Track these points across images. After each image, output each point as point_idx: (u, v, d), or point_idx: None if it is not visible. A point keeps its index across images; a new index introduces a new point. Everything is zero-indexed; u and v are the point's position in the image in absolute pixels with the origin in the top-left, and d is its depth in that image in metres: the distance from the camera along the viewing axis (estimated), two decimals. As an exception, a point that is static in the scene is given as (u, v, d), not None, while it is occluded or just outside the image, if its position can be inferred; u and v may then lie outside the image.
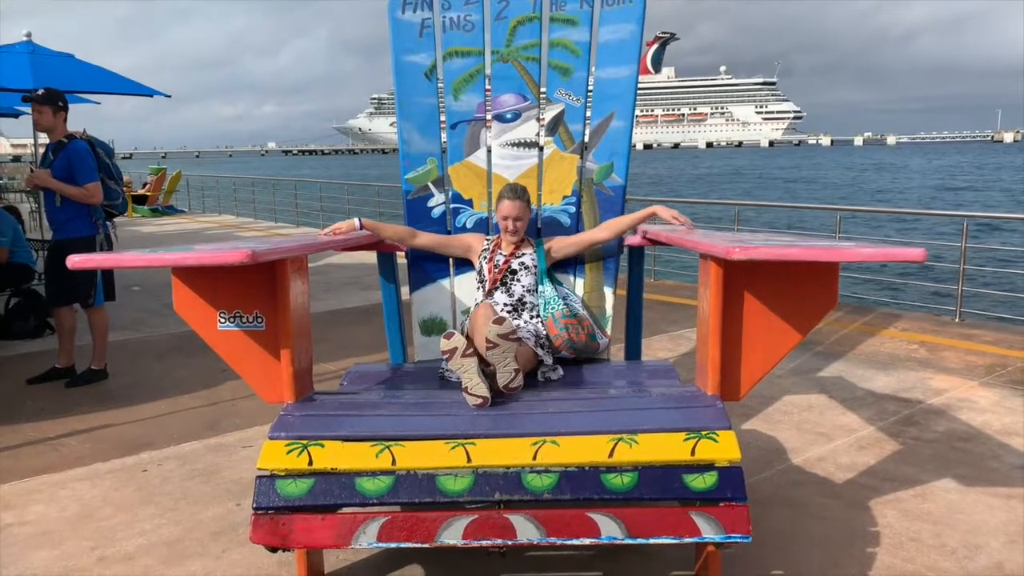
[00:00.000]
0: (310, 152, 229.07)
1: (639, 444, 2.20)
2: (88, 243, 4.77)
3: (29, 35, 7.05)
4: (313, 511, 2.19)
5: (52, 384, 4.88)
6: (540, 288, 3.13)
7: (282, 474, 2.21)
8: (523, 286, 3.12)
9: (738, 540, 2.14)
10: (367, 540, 2.17)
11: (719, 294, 2.36)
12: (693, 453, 2.18)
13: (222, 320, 2.43)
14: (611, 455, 2.19)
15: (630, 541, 2.15)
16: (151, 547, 2.87)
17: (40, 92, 4.77)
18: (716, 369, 2.42)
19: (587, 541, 2.15)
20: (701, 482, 2.17)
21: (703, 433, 2.22)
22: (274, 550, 2.23)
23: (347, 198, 16.10)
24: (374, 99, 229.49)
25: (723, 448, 2.19)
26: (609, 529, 2.14)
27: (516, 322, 2.98)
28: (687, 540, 2.16)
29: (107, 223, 4.99)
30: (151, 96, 7.63)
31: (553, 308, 3.06)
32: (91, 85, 7.20)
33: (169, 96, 7.77)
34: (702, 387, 2.51)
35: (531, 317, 3.08)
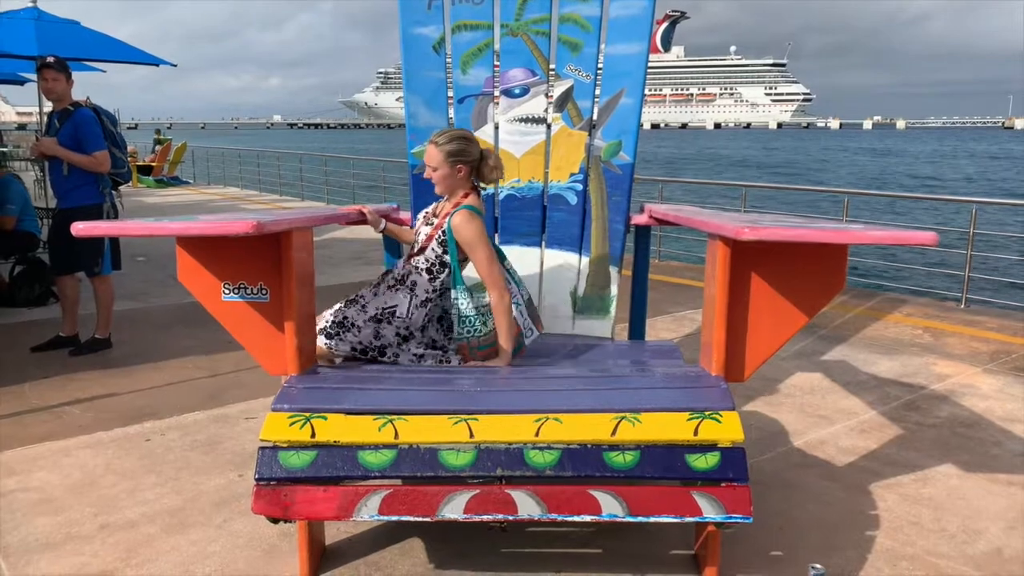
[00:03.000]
0: (315, 126, 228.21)
1: (642, 423, 2.20)
2: (95, 211, 4.76)
3: (35, 1, 6.99)
4: (315, 483, 2.20)
5: (56, 352, 4.89)
6: (453, 295, 2.79)
7: (284, 446, 2.21)
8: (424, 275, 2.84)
9: (739, 521, 2.14)
10: (369, 513, 2.17)
11: (726, 274, 2.34)
12: (696, 433, 2.18)
13: (226, 291, 2.42)
14: (614, 433, 2.18)
15: (631, 519, 2.15)
16: (153, 515, 2.88)
17: (52, 59, 4.73)
18: (721, 350, 2.41)
19: (588, 518, 2.15)
20: (703, 462, 2.16)
21: (707, 413, 2.22)
22: (276, 521, 2.23)
23: (352, 172, 16.03)
24: (380, 73, 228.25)
25: (726, 429, 2.19)
26: (610, 507, 2.14)
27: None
28: (688, 519, 2.16)
29: (112, 192, 4.97)
30: (157, 65, 7.58)
31: (469, 331, 2.76)
32: (97, 53, 7.15)
33: (175, 65, 7.71)
34: (706, 367, 2.50)
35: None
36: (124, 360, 4.80)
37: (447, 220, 2.81)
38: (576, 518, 2.16)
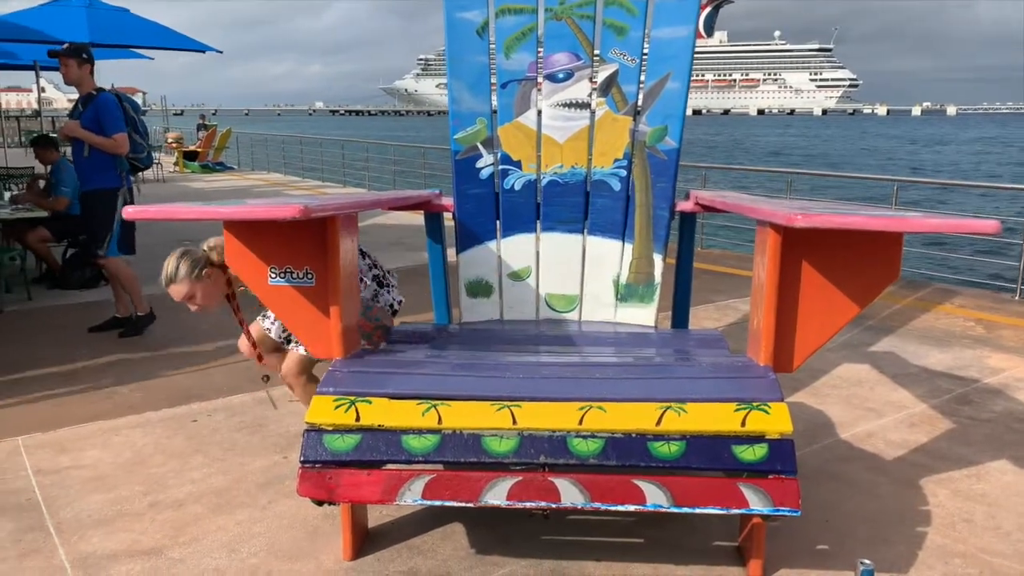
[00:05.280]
0: (356, 112, 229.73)
1: (688, 413, 2.17)
2: (112, 195, 4.87)
3: (85, -12, 7.13)
4: (359, 466, 2.21)
5: (109, 333, 5.01)
6: None
7: (330, 429, 2.23)
8: None
9: (786, 514, 2.11)
10: (412, 497, 2.18)
11: (776, 262, 2.29)
12: (744, 424, 2.14)
13: (273, 275, 2.44)
14: (659, 423, 2.16)
15: (676, 510, 2.13)
16: (200, 495, 2.94)
17: (65, 46, 4.85)
18: (770, 339, 2.36)
19: (632, 508, 2.13)
20: (751, 454, 2.13)
21: (754, 404, 2.18)
22: (320, 503, 2.26)
23: (393, 158, 16.11)
24: (421, 60, 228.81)
25: (775, 420, 2.15)
26: (655, 497, 2.12)
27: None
28: (734, 511, 2.13)
29: (130, 176, 5.08)
30: (203, 52, 7.68)
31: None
32: (145, 40, 7.27)
33: (221, 52, 7.80)
34: (754, 357, 2.46)
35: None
36: (171, 342, 4.89)
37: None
38: (619, 507, 2.14)
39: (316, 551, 2.55)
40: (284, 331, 3.07)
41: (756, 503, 2.11)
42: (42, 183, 6.87)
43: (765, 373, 2.34)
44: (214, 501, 2.89)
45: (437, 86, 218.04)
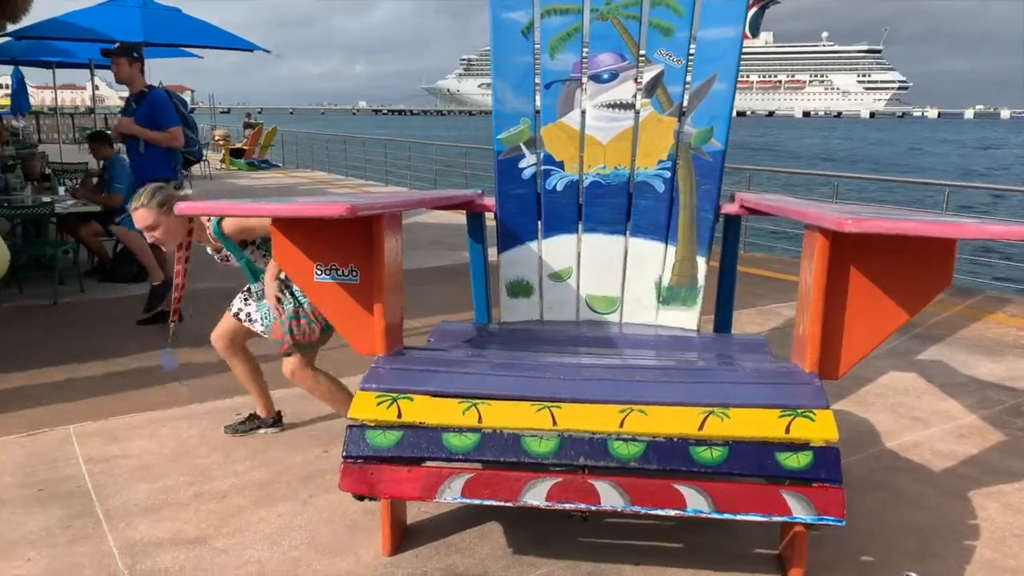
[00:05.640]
0: (399, 112, 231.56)
1: (731, 418, 2.15)
2: None
3: (139, -11, 7.30)
4: (400, 463, 2.23)
5: (158, 326, 5.11)
6: (255, 286, 3.22)
7: (372, 425, 2.25)
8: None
9: (831, 523, 2.08)
10: (451, 495, 2.19)
11: (824, 267, 2.25)
12: (788, 431, 2.11)
13: (318, 272, 2.47)
14: (701, 428, 2.14)
15: (717, 516, 2.11)
16: (243, 487, 2.99)
17: (116, 45, 4.99)
18: (815, 345, 2.32)
19: (672, 512, 2.12)
20: (795, 461, 2.10)
21: (799, 411, 2.15)
22: (361, 498, 2.28)
23: (435, 157, 16.21)
24: (463, 60, 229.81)
25: (820, 427, 2.11)
26: (696, 502, 2.10)
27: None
28: (776, 519, 2.10)
29: (183, 170, 5.22)
30: (251, 51, 7.81)
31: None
32: (196, 39, 7.42)
33: (269, 51, 7.94)
34: (799, 363, 2.42)
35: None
36: (217, 336, 4.98)
37: (213, 234, 3.05)
38: (660, 511, 2.13)
39: (355, 546, 2.58)
40: (269, 325, 3.17)
41: (799, 511, 2.08)
42: (95, 179, 7.06)
43: (810, 379, 2.30)
44: (256, 493, 2.94)
45: (479, 86, 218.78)
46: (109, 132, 7.51)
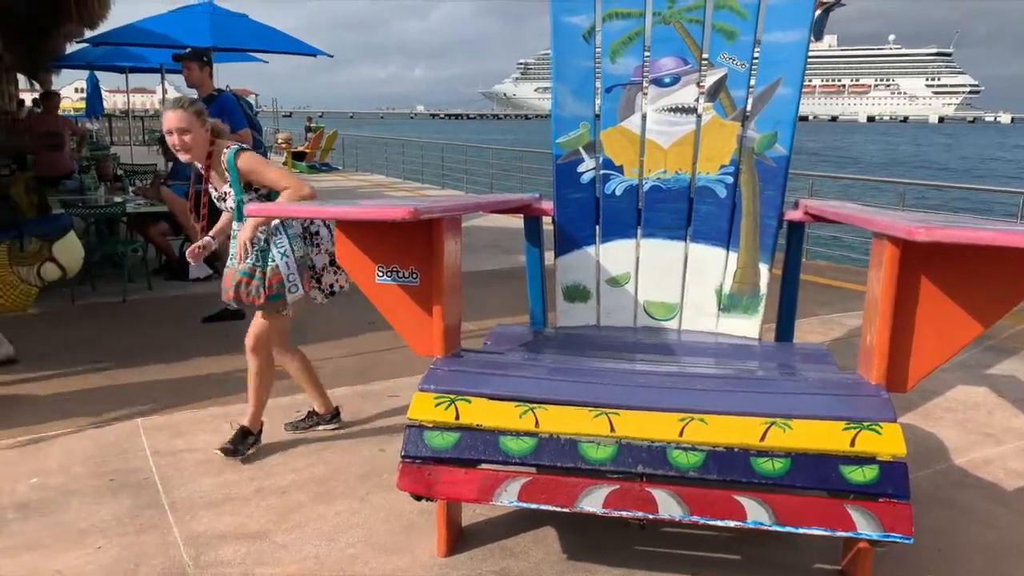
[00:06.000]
0: (456, 116, 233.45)
1: (793, 430, 2.10)
2: None
3: (209, -5, 7.52)
4: (457, 464, 2.25)
5: (222, 323, 5.24)
6: (235, 227, 3.13)
7: (430, 426, 2.27)
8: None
9: (897, 540, 2.02)
10: (508, 498, 2.20)
11: (893, 277, 2.19)
12: (853, 444, 2.06)
13: (380, 274, 2.51)
14: (763, 438, 2.10)
15: (778, 528, 2.07)
16: (302, 483, 3.04)
17: (187, 50, 5.12)
18: (883, 357, 2.26)
19: (732, 524, 2.08)
20: (860, 475, 2.04)
21: (865, 424, 2.09)
22: (419, 498, 2.30)
23: (491, 161, 16.29)
24: (520, 64, 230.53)
25: (887, 441, 2.06)
26: (756, 514, 2.07)
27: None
28: (840, 534, 2.05)
29: None
30: (315, 56, 7.97)
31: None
32: (262, 43, 7.60)
33: (331, 56, 8.08)
34: (865, 375, 2.36)
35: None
36: (278, 335, 5.09)
37: (226, 160, 3.07)
38: (719, 522, 2.09)
39: (411, 545, 2.61)
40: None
41: (865, 527, 2.02)
42: (164, 180, 7.28)
43: (877, 392, 2.24)
44: (315, 490, 2.99)
45: (536, 90, 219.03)
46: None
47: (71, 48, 10.03)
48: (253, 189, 3.14)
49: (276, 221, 3.05)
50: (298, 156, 19.30)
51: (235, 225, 3.14)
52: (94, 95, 18.28)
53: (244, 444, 3.28)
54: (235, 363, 4.46)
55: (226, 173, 3.10)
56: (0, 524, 2.72)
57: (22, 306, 5.48)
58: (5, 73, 10.45)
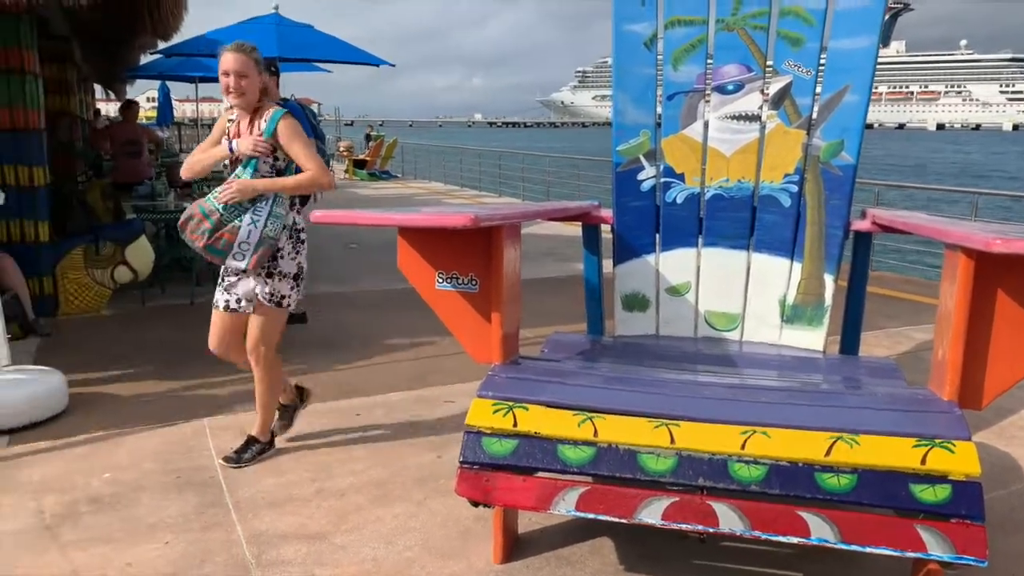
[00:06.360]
0: (513, 124, 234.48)
1: (860, 445, 2.05)
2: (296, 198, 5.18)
3: (276, 7, 7.71)
4: (515, 471, 2.25)
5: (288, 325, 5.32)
6: (240, 170, 3.04)
7: (488, 432, 2.28)
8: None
9: (970, 563, 1.94)
10: (565, 508, 2.19)
11: (968, 289, 2.12)
12: (924, 462, 1.99)
13: (440, 280, 2.53)
14: (828, 454, 2.05)
15: (843, 546, 2.01)
16: (361, 486, 3.08)
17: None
18: (956, 372, 2.18)
19: (795, 540, 2.03)
20: (931, 494, 1.98)
21: (936, 441, 2.02)
22: (476, 504, 2.31)
23: (547, 169, 16.31)
24: (579, 72, 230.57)
25: (960, 460, 1.98)
26: (820, 531, 2.01)
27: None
28: (909, 554, 1.98)
29: None
30: (377, 65, 8.10)
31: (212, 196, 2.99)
32: (327, 54, 7.76)
33: (394, 65, 8.21)
34: (936, 391, 2.28)
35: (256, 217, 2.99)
36: (337, 339, 5.18)
37: (271, 117, 3.04)
38: (781, 538, 2.05)
39: (467, 551, 2.62)
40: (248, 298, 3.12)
41: (935, 548, 1.96)
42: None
43: (950, 408, 2.16)
44: (374, 493, 3.02)
45: (593, 98, 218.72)
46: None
47: (145, 59, 10.40)
48: (276, 159, 3.07)
49: (271, 194, 3.02)
50: (359, 164, 19.65)
51: (241, 172, 3.04)
52: (165, 104, 18.92)
53: (248, 452, 3.27)
54: (293, 366, 4.55)
55: (262, 125, 3.04)
56: (74, 517, 2.83)
57: (96, 307, 5.71)
58: (83, 83, 10.90)
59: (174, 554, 2.59)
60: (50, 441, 3.48)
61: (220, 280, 3.20)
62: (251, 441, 3.33)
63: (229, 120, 3.17)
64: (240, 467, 3.23)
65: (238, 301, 3.15)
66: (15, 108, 5.20)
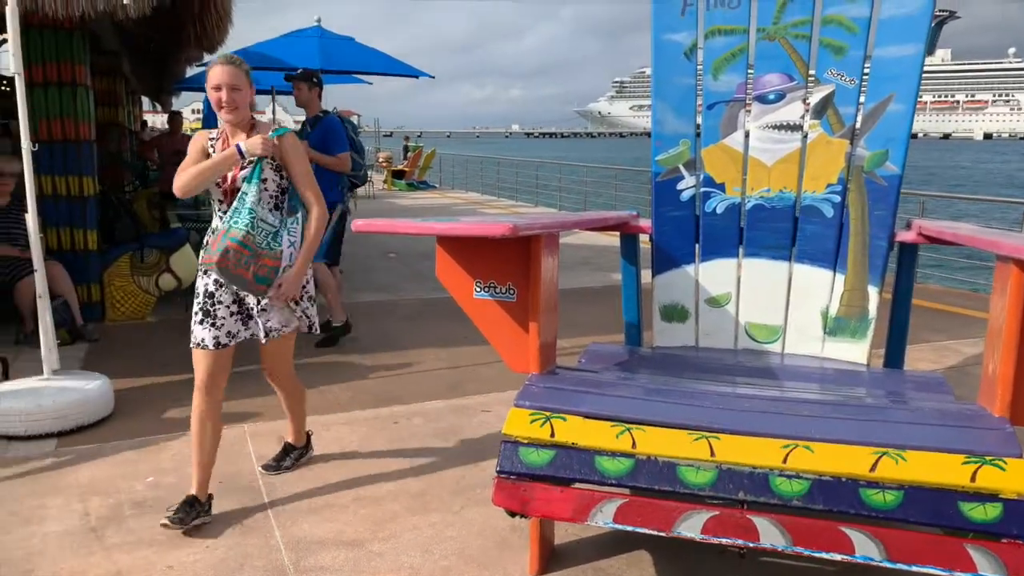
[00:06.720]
0: (550, 135, 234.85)
1: (907, 462, 1.99)
2: (330, 208, 5.17)
3: (319, 20, 7.85)
4: (552, 482, 2.24)
5: (322, 335, 5.36)
6: (244, 187, 2.81)
7: (525, 442, 2.27)
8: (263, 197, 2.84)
9: (1023, 584, 1.88)
10: (603, 519, 2.17)
11: (1020, 302, 2.06)
12: (973, 479, 1.94)
13: (478, 289, 2.54)
14: (873, 469, 2.00)
15: (888, 565, 1.96)
16: (398, 494, 3.10)
17: (298, 71, 5.30)
18: (1007, 387, 2.12)
19: (838, 557, 1.99)
20: (981, 513, 1.92)
21: (987, 458, 1.96)
22: (513, 515, 2.30)
23: (584, 179, 16.29)
24: (616, 82, 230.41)
25: (1012, 478, 1.92)
26: (865, 548, 1.97)
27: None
28: (958, 575, 1.93)
29: (348, 193, 5.42)
30: (416, 77, 8.19)
31: (239, 219, 2.76)
32: (368, 66, 7.87)
33: (433, 77, 8.29)
34: (987, 406, 2.22)
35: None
36: (376, 347, 5.22)
37: (275, 133, 2.88)
38: (824, 555, 2.00)
39: (504, 561, 2.61)
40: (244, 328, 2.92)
41: (986, 568, 1.90)
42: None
43: (1001, 425, 2.10)
44: (411, 501, 3.03)
45: (631, 108, 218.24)
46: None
47: (191, 71, 10.65)
48: (281, 178, 2.91)
49: (299, 210, 2.90)
50: (397, 174, 19.85)
51: (247, 188, 2.81)
52: (209, 115, 19.20)
53: (287, 460, 3.31)
54: (335, 375, 4.61)
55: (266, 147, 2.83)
56: (119, 520, 2.88)
57: (141, 314, 5.84)
58: (131, 96, 11.19)
59: (214, 558, 2.62)
60: (96, 444, 3.56)
61: (202, 315, 2.87)
62: (288, 448, 3.36)
63: (210, 139, 2.92)
64: (279, 473, 3.26)
65: (229, 335, 2.88)
66: (67, 120, 5.36)
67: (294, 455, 3.34)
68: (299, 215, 2.93)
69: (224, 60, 2.83)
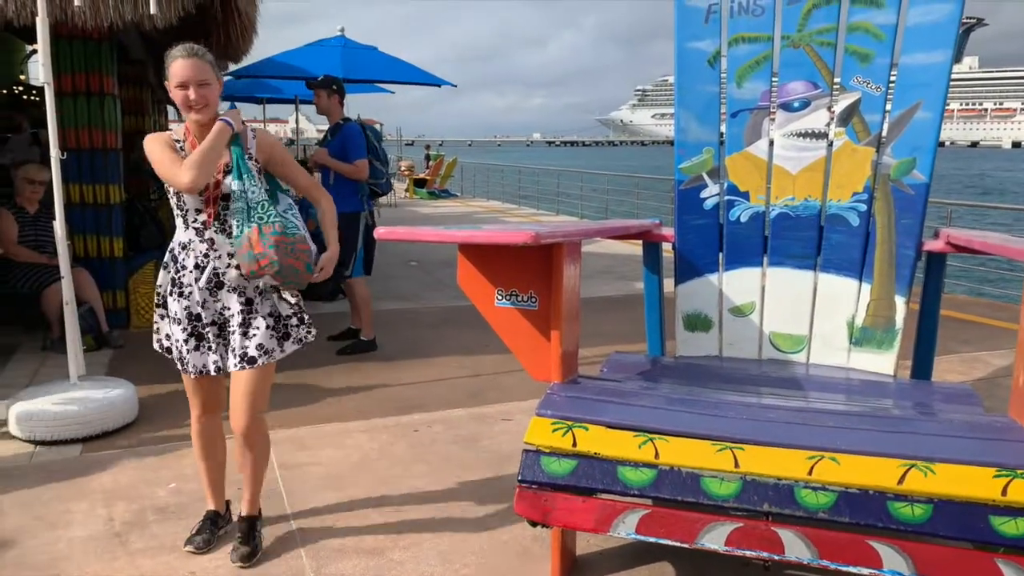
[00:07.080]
0: (571, 143, 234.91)
1: (936, 474, 1.96)
2: (354, 219, 5.15)
3: (342, 30, 7.92)
4: (574, 492, 2.22)
5: (344, 342, 5.39)
6: (237, 184, 2.48)
7: (547, 451, 2.26)
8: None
9: (1057, 602, 1.83)
10: (625, 530, 2.15)
11: (1052, 313, 2.02)
12: (1005, 493, 1.90)
13: (499, 297, 2.53)
14: (901, 482, 1.96)
15: (917, 580, 1.92)
16: (419, 502, 3.09)
17: (319, 78, 5.31)
18: (1039, 400, 2.08)
19: (865, 571, 1.95)
20: (1013, 527, 1.88)
21: (1019, 472, 1.92)
22: (535, 524, 2.29)
23: (606, 188, 16.26)
24: (638, 91, 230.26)
25: (1045, 493, 1.88)
26: (893, 562, 1.93)
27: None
28: (989, 591, 1.88)
29: (370, 201, 5.40)
30: (439, 86, 8.23)
31: (261, 215, 2.48)
32: (390, 75, 7.92)
33: (455, 86, 8.33)
34: (1018, 419, 2.18)
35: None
36: (397, 354, 5.23)
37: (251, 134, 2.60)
38: (851, 568, 1.97)
39: (525, 571, 2.59)
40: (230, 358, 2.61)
41: (1018, 585, 1.85)
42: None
43: (1033, 438, 2.06)
44: (432, 510, 3.03)
45: (652, 116, 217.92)
46: (307, 162, 8.16)
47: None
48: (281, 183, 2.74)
49: (291, 194, 2.72)
50: (419, 183, 19.95)
51: (243, 184, 2.52)
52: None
53: (257, 535, 2.74)
54: (353, 381, 4.62)
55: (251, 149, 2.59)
56: (142, 526, 2.90)
57: (166, 321, 5.89)
58: (157, 105, 11.33)
59: (235, 565, 2.63)
60: (121, 450, 3.59)
61: (186, 336, 2.59)
62: (252, 523, 2.76)
63: (177, 141, 2.56)
64: (260, 551, 2.72)
65: (217, 365, 2.62)
66: (94, 129, 5.44)
67: (259, 526, 2.78)
68: (287, 195, 2.75)
69: (186, 52, 2.44)
